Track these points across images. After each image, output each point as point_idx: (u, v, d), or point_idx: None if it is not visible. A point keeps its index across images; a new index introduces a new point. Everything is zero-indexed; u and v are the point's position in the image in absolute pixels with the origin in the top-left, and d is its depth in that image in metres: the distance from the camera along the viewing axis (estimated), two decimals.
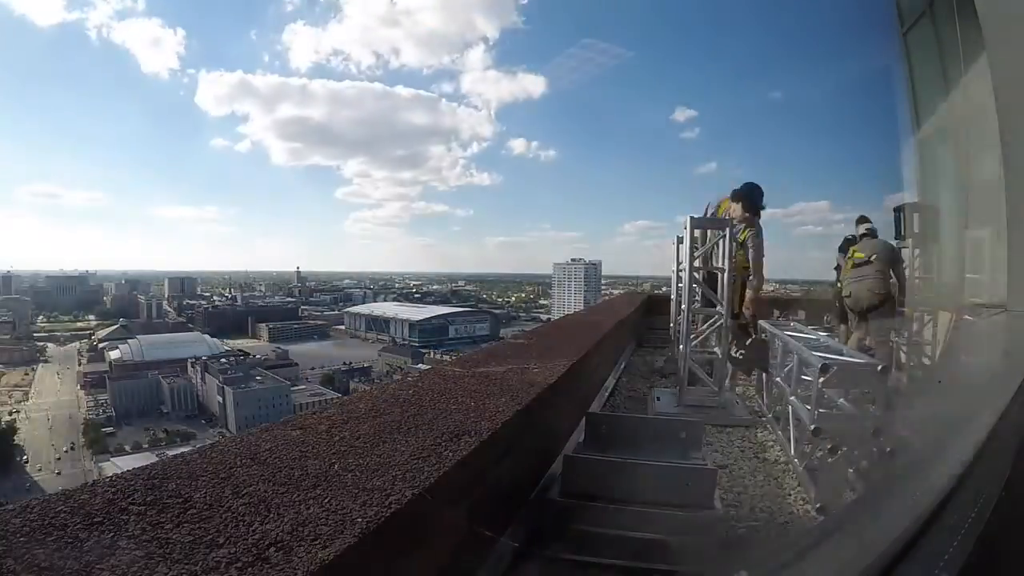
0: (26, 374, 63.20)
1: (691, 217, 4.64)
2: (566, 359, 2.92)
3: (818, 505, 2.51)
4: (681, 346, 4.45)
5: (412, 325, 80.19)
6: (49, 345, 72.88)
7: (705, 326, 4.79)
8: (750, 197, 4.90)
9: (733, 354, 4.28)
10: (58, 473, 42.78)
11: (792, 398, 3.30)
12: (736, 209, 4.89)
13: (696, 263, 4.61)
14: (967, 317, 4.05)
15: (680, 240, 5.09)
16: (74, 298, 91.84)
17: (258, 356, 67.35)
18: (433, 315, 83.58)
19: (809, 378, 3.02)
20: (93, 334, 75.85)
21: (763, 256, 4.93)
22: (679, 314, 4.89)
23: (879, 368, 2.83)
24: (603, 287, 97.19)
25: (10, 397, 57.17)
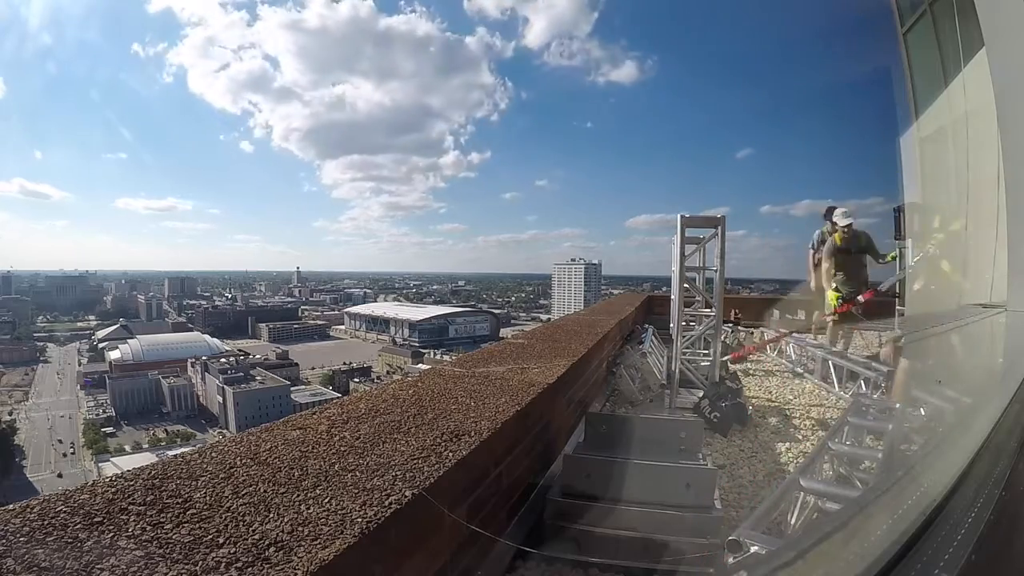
0: (26, 374, 63.20)
1: (681, 216, 4.45)
2: (566, 359, 2.92)
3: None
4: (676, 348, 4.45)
5: (412, 325, 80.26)
6: (49, 345, 72.90)
7: (701, 327, 4.77)
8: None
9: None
10: (59, 475, 42.72)
11: None
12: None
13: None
14: (967, 317, 4.05)
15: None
16: (74, 298, 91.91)
17: (258, 356, 67.31)
18: (433, 315, 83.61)
19: None
20: (93, 334, 75.85)
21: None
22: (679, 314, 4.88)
23: None
24: (603, 287, 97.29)
25: (10, 397, 57.16)
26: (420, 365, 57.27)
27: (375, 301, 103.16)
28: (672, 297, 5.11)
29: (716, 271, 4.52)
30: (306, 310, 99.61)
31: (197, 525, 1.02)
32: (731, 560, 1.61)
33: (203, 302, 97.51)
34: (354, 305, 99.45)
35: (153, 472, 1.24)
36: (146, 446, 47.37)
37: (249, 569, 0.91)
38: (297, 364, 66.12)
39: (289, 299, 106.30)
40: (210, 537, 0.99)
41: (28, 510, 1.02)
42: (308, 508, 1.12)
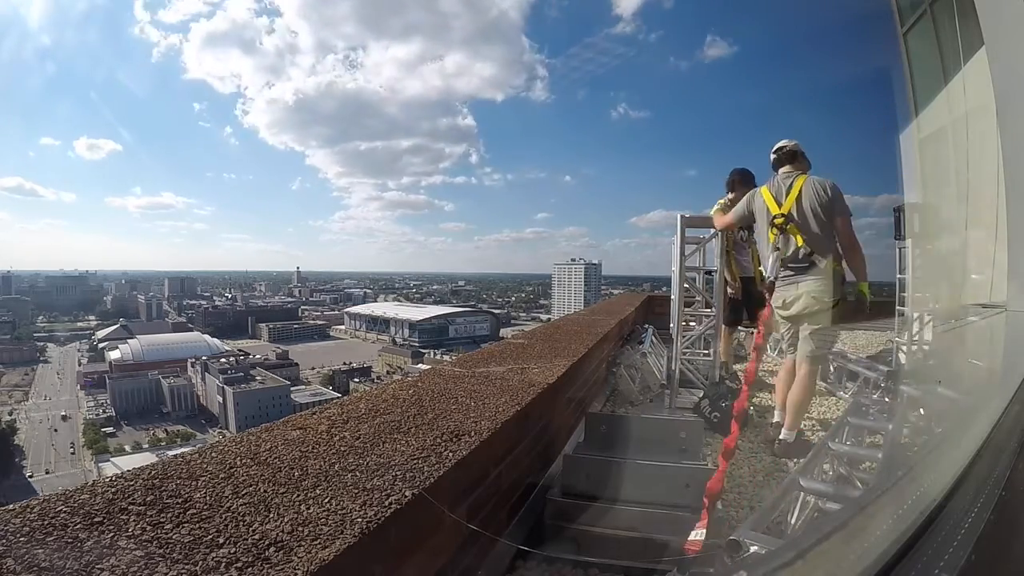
0: (26, 374, 63.20)
1: (681, 216, 4.48)
2: (566, 359, 2.92)
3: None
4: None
5: (412, 325, 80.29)
6: (49, 345, 72.89)
7: (701, 327, 4.77)
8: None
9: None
10: (57, 474, 42.70)
11: None
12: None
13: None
14: (967, 317, 4.05)
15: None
16: (74, 298, 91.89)
17: (258, 356, 67.30)
18: (433, 315, 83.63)
19: None
20: (93, 334, 75.84)
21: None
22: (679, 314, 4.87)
23: None
24: (603, 287, 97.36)
25: (10, 397, 57.17)
26: (420, 365, 57.29)
27: (375, 301, 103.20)
28: (672, 297, 5.09)
29: (716, 271, 4.53)
30: (306, 310, 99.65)
31: (197, 525, 1.02)
32: (731, 560, 1.61)
33: (203, 302, 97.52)
34: (354, 305, 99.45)
35: (153, 472, 1.24)
36: (146, 446, 47.40)
37: (249, 569, 0.91)
38: (297, 364, 66.15)
39: (289, 299, 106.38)
40: (210, 537, 0.99)
41: (28, 510, 1.02)
42: (308, 508, 1.12)
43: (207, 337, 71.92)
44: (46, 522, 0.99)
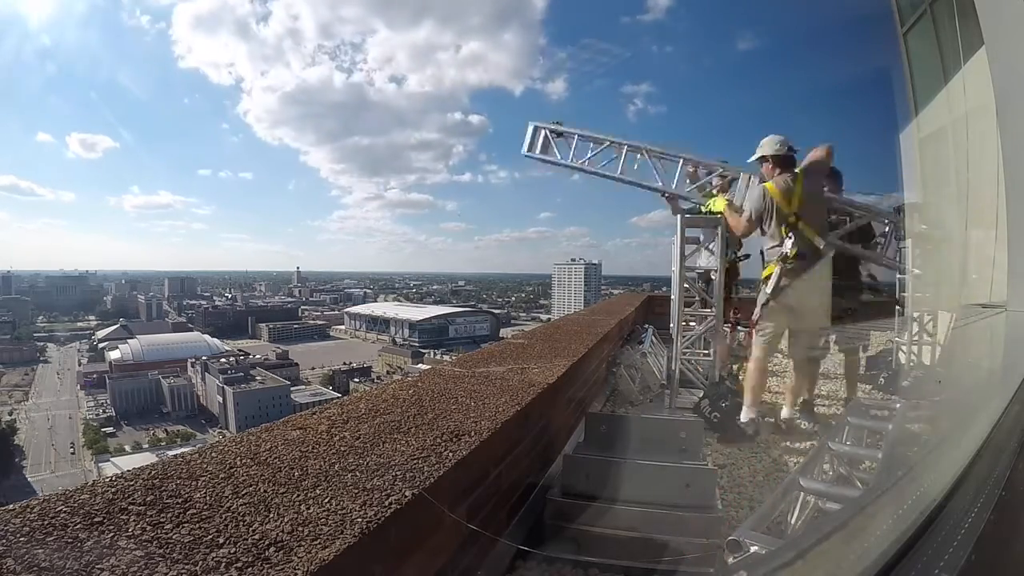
0: (26, 374, 63.17)
1: (681, 216, 4.56)
2: (566, 359, 2.92)
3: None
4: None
5: (412, 325, 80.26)
6: (49, 345, 72.84)
7: (701, 327, 4.77)
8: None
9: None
10: (57, 474, 42.70)
11: None
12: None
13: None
14: (967, 317, 4.05)
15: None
16: (74, 298, 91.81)
17: (258, 356, 67.25)
18: (433, 315, 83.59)
19: None
20: (93, 334, 75.79)
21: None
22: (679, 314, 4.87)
23: None
24: (603, 287, 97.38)
25: (10, 397, 57.15)
26: (420, 365, 57.27)
27: (375, 301, 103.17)
28: (672, 297, 5.09)
29: (716, 271, 4.53)
30: (306, 310, 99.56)
31: (197, 525, 1.02)
32: (731, 560, 1.61)
33: (203, 302, 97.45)
34: (354, 305, 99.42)
35: (153, 472, 1.24)
36: (146, 446, 47.35)
37: (249, 569, 0.91)
38: (297, 364, 66.06)
39: (289, 299, 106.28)
40: (210, 537, 0.99)
41: (28, 510, 1.02)
42: (308, 508, 1.12)
43: (207, 337, 71.86)
44: (46, 522, 0.99)
